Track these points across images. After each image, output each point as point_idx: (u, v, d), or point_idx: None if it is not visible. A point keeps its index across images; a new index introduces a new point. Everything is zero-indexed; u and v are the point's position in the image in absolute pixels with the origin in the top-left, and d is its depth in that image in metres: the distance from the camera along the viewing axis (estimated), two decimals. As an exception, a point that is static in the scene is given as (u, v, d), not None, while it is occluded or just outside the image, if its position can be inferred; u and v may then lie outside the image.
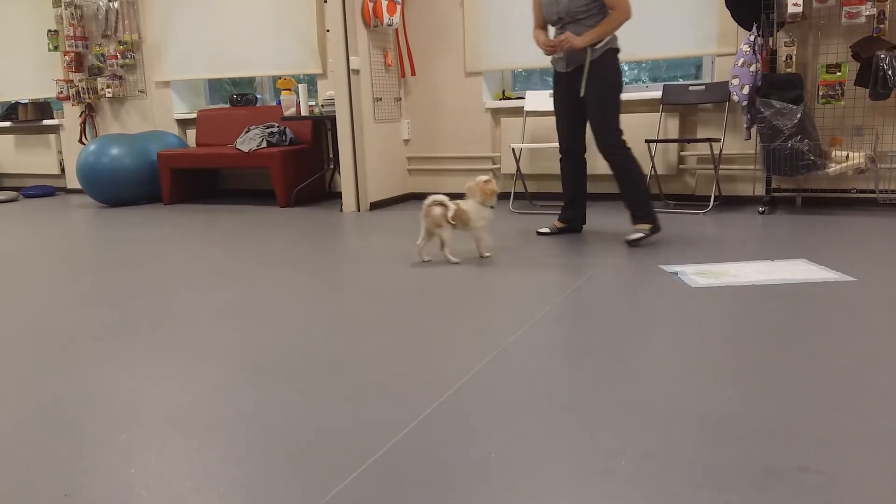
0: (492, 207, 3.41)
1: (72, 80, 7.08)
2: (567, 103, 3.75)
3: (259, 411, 1.77)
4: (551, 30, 3.77)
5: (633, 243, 3.57)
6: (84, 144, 6.97)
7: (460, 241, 3.43)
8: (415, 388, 1.86)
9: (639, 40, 4.76)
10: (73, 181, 7.44)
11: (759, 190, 4.64)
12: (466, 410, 1.71)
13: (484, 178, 3.39)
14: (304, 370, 2.04)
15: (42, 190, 7.40)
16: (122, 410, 1.81)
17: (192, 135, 6.78)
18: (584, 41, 3.49)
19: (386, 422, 1.67)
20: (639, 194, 3.61)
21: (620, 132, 3.64)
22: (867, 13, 4.10)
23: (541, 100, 5.16)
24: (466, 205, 3.37)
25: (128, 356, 2.24)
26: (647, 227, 3.58)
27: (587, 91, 3.59)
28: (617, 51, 3.60)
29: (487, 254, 3.49)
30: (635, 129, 4.93)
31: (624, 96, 5.01)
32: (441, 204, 3.32)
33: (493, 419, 1.66)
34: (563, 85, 3.74)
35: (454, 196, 3.41)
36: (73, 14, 6.94)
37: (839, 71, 4.19)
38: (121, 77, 6.93)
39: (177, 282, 3.24)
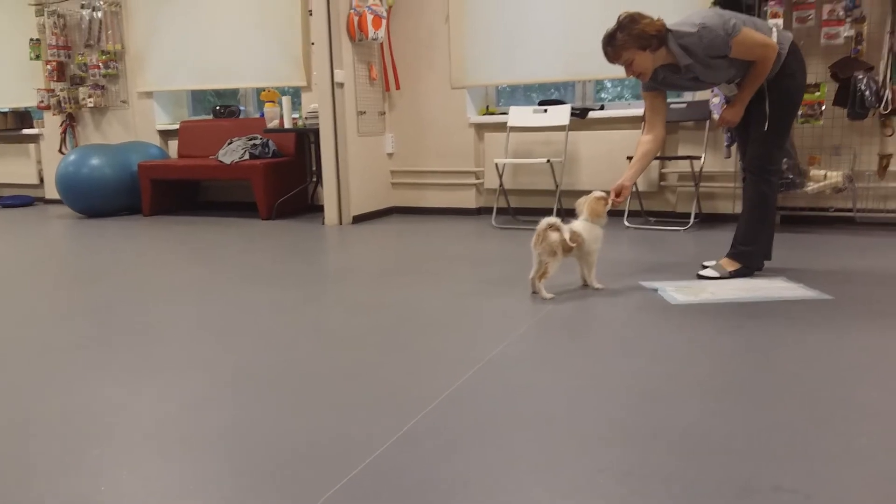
0: (602, 227, 3.02)
1: (53, 90, 7.03)
2: (741, 125, 3.18)
3: (237, 427, 1.74)
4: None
5: (702, 278, 3.18)
6: (63, 154, 6.91)
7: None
8: (395, 404, 1.85)
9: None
10: (51, 191, 7.38)
11: (739, 208, 4.67)
12: (446, 426, 1.70)
13: (597, 194, 3.00)
14: (283, 385, 2.02)
15: (20, 200, 7.31)
16: (96, 425, 1.78)
17: (174, 146, 6.75)
18: (741, 112, 3.06)
19: (365, 437, 1.65)
20: (759, 231, 3.16)
21: (782, 155, 3.14)
22: (846, 34, 4.17)
23: (524, 115, 5.19)
24: (578, 226, 2.97)
25: (104, 370, 2.20)
26: (735, 266, 3.18)
27: (769, 107, 3.03)
28: (789, 52, 2.98)
29: (599, 285, 3.06)
30: (617, 145, 4.97)
31: (606, 113, 5.11)
32: (557, 228, 2.87)
33: (473, 435, 1.65)
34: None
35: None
36: (55, 23, 6.90)
37: (818, 91, 4.25)
38: (103, 87, 6.89)
39: (155, 295, 3.21)
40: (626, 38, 2.88)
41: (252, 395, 1.95)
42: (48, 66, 6.94)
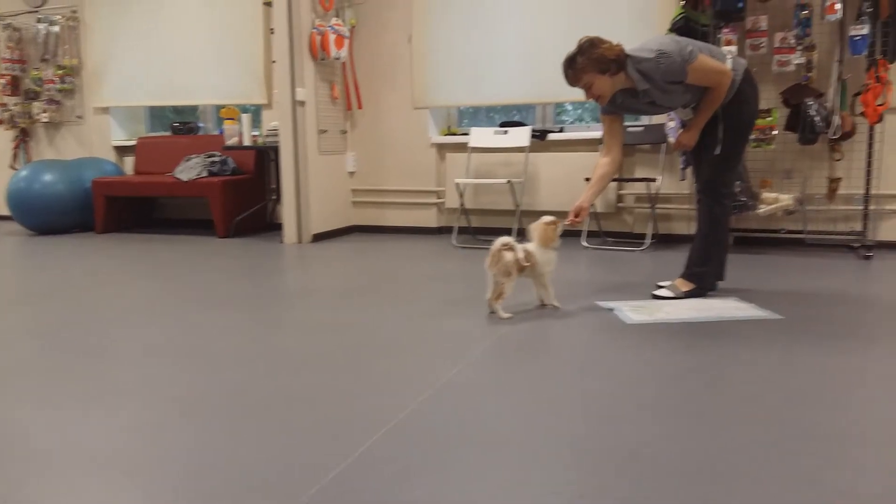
0: (555, 250, 3.04)
1: (6, 104, 6.87)
2: (696, 149, 3.21)
3: (184, 453, 1.69)
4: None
5: (657, 298, 3.22)
6: (15, 170, 6.74)
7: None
8: (347, 428, 1.82)
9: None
10: (2, 208, 7.17)
11: (694, 229, 4.74)
12: (400, 450, 1.68)
13: (547, 220, 3.01)
14: (233, 409, 1.97)
15: (-31, 216, 7.11)
16: (35, 452, 1.71)
17: (130, 162, 6.64)
18: (696, 136, 3.12)
19: (316, 463, 1.62)
20: (711, 252, 3.24)
21: (735, 178, 3.25)
22: (796, 62, 4.29)
23: (485, 136, 5.22)
24: (531, 247, 2.99)
25: (46, 393, 2.13)
26: (689, 287, 3.23)
27: (723, 131, 3.09)
28: (744, 79, 3.05)
29: (557, 304, 3.09)
30: (576, 167, 5.03)
31: (565, 136, 5.17)
32: (511, 248, 2.88)
33: (426, 459, 1.63)
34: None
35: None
36: (10, 37, 6.76)
37: (770, 116, 4.35)
38: (58, 102, 6.76)
39: (104, 315, 3.12)
40: (586, 62, 2.93)
41: (200, 420, 1.90)
42: (2, 80, 6.79)
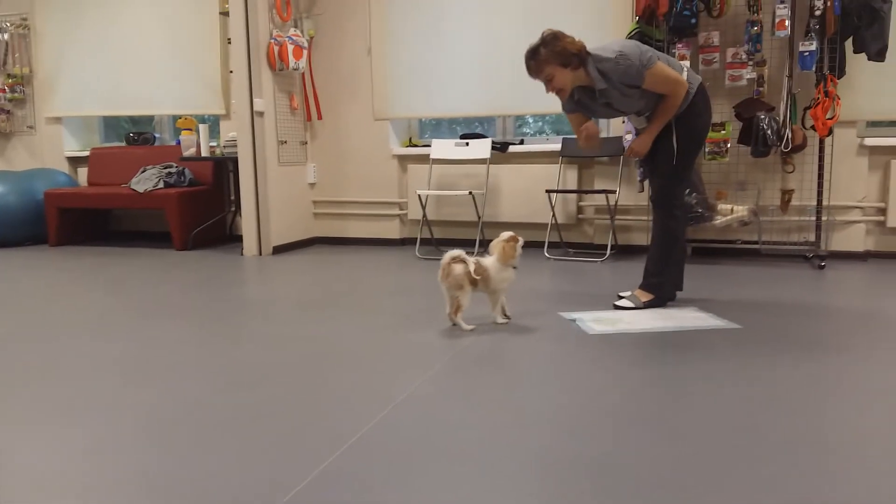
0: (514, 268, 2.97)
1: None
2: (648, 158, 3.28)
3: (138, 474, 1.65)
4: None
5: (618, 308, 3.26)
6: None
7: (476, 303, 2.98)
8: (309, 443, 1.79)
9: (542, 96, 4.91)
10: (-52, 219, 6.94)
11: (654, 240, 4.83)
12: (361, 466, 1.66)
13: (505, 236, 2.97)
14: (192, 425, 1.93)
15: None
16: (-19, 472, 1.65)
17: (83, 173, 6.49)
18: (649, 143, 3.16)
19: (277, 480, 1.59)
20: (667, 262, 3.27)
21: (685, 188, 3.30)
22: (748, 77, 4.40)
23: (446, 148, 5.23)
24: (486, 262, 2.94)
25: (-6, 411, 2.06)
26: (648, 297, 3.28)
27: (676, 142, 3.14)
28: (697, 92, 3.13)
29: (506, 318, 3.05)
30: (537, 179, 5.07)
31: (525, 148, 5.21)
32: (461, 261, 2.88)
33: (389, 474, 1.61)
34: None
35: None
36: (-44, 44, 6.57)
37: (723, 129, 4.45)
38: (8, 112, 6.58)
39: (56, 331, 3.04)
40: (548, 54, 2.98)
41: (154, 439, 1.85)
42: (-52, 89, 6.59)
